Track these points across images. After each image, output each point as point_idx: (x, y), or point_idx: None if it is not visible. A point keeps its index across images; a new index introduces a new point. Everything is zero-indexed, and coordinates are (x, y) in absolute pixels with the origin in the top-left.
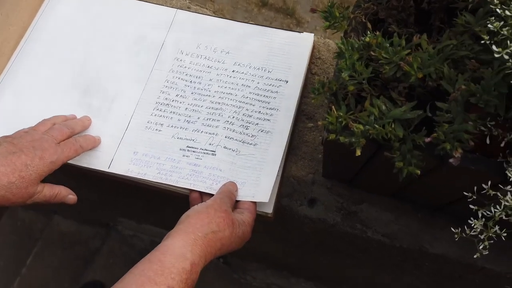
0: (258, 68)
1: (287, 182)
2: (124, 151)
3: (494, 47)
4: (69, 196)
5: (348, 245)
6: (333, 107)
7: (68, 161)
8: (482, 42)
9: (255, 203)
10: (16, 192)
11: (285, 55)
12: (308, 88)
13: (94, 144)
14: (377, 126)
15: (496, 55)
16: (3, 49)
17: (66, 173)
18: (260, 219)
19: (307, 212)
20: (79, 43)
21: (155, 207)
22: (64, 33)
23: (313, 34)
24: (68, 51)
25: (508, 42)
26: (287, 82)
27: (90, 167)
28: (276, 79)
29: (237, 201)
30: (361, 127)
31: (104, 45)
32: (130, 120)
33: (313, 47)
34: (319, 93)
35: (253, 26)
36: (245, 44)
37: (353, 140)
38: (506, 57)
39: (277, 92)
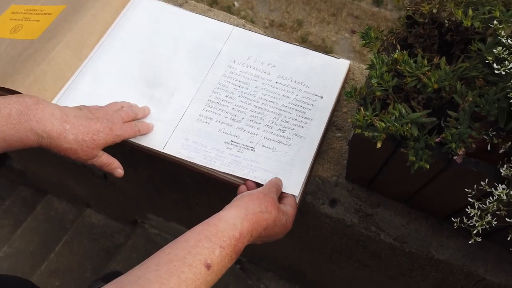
0: (299, 83)
1: (313, 181)
2: (177, 137)
3: (495, 65)
4: (118, 169)
5: (362, 249)
6: (361, 108)
7: (131, 141)
8: (487, 62)
9: (295, 201)
10: (85, 149)
11: (322, 75)
12: (340, 103)
13: (148, 130)
14: (396, 124)
15: (496, 71)
16: (87, 42)
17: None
18: None
19: (328, 211)
20: (149, 44)
21: (187, 204)
22: (138, 34)
23: (349, 61)
24: (140, 49)
25: (506, 62)
26: (322, 97)
27: (148, 146)
28: (313, 94)
29: (280, 198)
30: (383, 124)
31: (170, 48)
32: (185, 111)
33: (349, 70)
34: (351, 96)
35: (297, 47)
36: (289, 61)
37: (376, 134)
38: (503, 73)
39: (312, 105)
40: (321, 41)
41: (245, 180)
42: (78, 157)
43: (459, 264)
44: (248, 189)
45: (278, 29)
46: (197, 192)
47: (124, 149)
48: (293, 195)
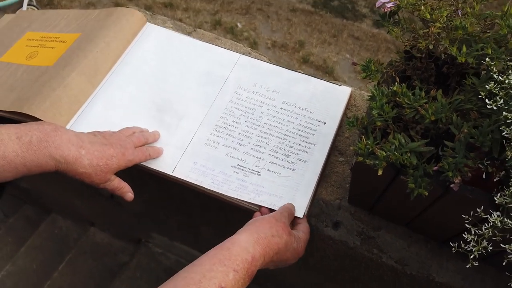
0: (302, 108)
1: (316, 204)
2: (186, 160)
3: (487, 100)
4: (128, 193)
5: (365, 271)
6: (363, 137)
7: (142, 164)
8: (479, 96)
9: (308, 227)
10: (99, 174)
11: (325, 101)
12: (342, 129)
13: (158, 154)
14: (396, 153)
15: (488, 106)
16: (101, 68)
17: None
18: None
19: (331, 233)
20: (159, 70)
21: (192, 224)
22: (148, 62)
23: (351, 88)
24: (150, 76)
25: (497, 98)
26: (325, 123)
27: (158, 169)
28: (316, 120)
29: (293, 224)
30: (384, 153)
31: (179, 74)
32: (193, 136)
33: (350, 96)
34: (353, 125)
35: (301, 74)
36: (293, 87)
37: (377, 162)
38: (495, 108)
39: (315, 130)
40: (322, 62)
41: (260, 207)
42: (91, 181)
43: (459, 287)
44: (262, 215)
45: (280, 49)
46: (203, 213)
47: (132, 170)
48: (306, 223)
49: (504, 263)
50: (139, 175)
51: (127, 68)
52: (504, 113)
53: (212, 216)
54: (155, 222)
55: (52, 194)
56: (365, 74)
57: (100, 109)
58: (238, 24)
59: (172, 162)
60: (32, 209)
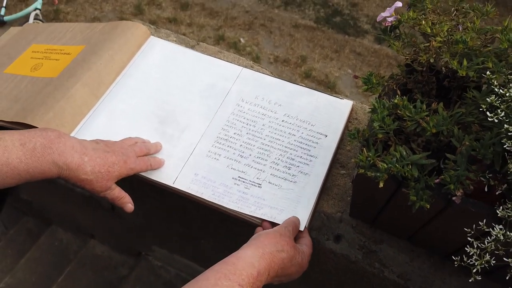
0: (304, 121)
1: (318, 217)
2: (187, 172)
3: (488, 113)
4: (129, 204)
5: (367, 285)
6: (364, 149)
7: (142, 175)
8: (481, 109)
9: (311, 240)
10: (100, 181)
11: (327, 114)
12: (344, 142)
13: (160, 165)
14: (397, 165)
15: (490, 119)
16: (105, 80)
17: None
18: None
19: (333, 247)
20: (162, 83)
21: (192, 237)
22: (152, 74)
23: (352, 102)
24: (153, 88)
25: (499, 111)
26: (326, 136)
27: (159, 180)
28: (317, 132)
29: (297, 238)
30: (385, 165)
31: (182, 87)
32: (195, 147)
33: (352, 109)
34: (354, 137)
35: (303, 87)
36: (294, 100)
37: (378, 174)
38: (496, 120)
39: (317, 143)
40: (324, 77)
41: (261, 220)
42: (92, 188)
43: None
44: (264, 230)
45: (282, 64)
46: (204, 225)
47: (133, 181)
48: (309, 237)
49: (507, 278)
50: (140, 186)
51: (130, 80)
52: (505, 126)
53: (213, 229)
54: (156, 234)
55: (53, 206)
56: (366, 87)
57: (103, 120)
58: (241, 39)
59: (173, 174)
60: (32, 221)
